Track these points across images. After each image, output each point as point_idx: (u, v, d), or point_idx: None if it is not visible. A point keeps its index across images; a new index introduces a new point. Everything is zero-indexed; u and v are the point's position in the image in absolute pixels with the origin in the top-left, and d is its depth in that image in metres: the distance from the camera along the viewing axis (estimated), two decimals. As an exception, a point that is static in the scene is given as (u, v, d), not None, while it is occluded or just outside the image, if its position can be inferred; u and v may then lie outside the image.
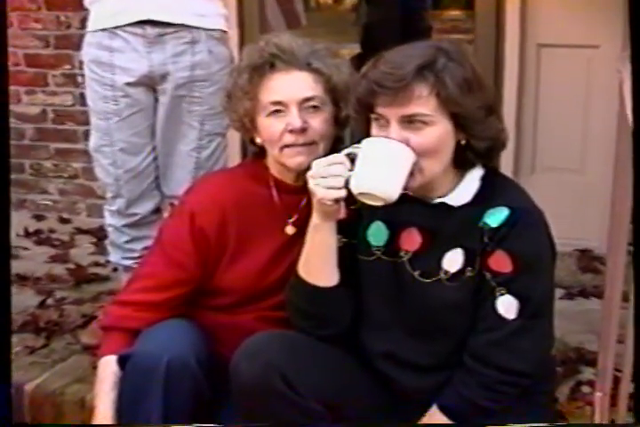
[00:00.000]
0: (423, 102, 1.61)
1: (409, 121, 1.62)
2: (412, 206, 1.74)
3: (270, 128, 1.87)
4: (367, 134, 1.70)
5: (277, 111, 1.85)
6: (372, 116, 1.67)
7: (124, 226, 2.59)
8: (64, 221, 3.89)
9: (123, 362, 1.82)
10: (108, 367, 1.87)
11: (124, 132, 2.47)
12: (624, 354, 2.00)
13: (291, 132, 1.84)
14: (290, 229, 1.94)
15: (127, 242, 2.60)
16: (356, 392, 1.81)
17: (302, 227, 1.85)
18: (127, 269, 2.62)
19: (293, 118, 1.84)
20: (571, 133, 3.35)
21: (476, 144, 1.68)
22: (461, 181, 1.73)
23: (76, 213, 3.92)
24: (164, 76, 2.43)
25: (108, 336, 1.94)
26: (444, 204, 1.73)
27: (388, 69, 1.61)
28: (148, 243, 2.49)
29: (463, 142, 1.68)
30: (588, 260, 3.22)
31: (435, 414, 1.75)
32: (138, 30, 2.38)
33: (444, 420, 1.73)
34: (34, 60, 3.77)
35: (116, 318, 1.93)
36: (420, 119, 1.62)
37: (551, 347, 1.87)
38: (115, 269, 2.98)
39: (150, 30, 2.38)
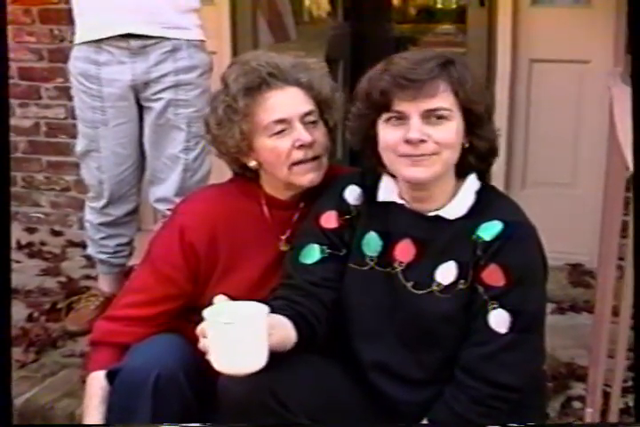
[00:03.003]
0: (446, 97, 1.66)
1: (429, 116, 1.66)
2: (408, 218, 1.76)
3: (277, 148, 1.84)
4: (366, 137, 1.74)
5: (281, 130, 1.84)
6: (385, 115, 1.68)
7: (100, 224, 2.81)
8: (56, 233, 3.89)
9: (111, 377, 1.81)
10: (97, 382, 1.86)
11: (110, 142, 2.66)
12: (614, 369, 2.00)
13: (300, 147, 1.83)
14: (284, 246, 1.94)
15: (101, 239, 2.84)
16: (346, 406, 1.79)
17: None
18: (102, 262, 2.89)
19: (302, 134, 1.83)
20: (561, 148, 3.36)
21: (479, 145, 1.72)
22: (457, 194, 1.75)
23: (67, 226, 3.92)
24: (147, 84, 2.57)
25: (96, 351, 1.93)
26: (439, 216, 1.74)
27: (412, 65, 1.66)
28: (121, 240, 2.84)
29: (467, 145, 1.72)
30: (579, 274, 3.22)
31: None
32: (122, 43, 2.54)
33: None
34: (27, 74, 3.78)
35: (105, 333, 1.92)
36: (442, 113, 1.66)
37: (542, 362, 1.87)
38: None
39: (134, 43, 2.53)
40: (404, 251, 1.77)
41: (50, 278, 3.33)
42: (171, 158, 2.63)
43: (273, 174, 1.90)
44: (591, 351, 2.32)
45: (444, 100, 1.66)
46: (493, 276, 1.69)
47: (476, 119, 1.70)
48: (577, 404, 2.37)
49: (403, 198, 1.77)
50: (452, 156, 1.70)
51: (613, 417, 2.01)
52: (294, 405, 1.67)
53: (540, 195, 3.29)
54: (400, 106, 1.66)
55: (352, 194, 1.83)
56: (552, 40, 3.29)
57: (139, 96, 2.62)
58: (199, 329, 1.56)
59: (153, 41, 2.54)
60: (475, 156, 1.74)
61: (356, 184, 1.84)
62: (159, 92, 2.57)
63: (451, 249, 1.73)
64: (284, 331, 1.67)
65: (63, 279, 3.30)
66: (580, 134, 3.33)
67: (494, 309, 1.68)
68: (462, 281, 1.72)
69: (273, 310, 1.70)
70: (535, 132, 3.37)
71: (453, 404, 1.71)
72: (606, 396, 2.09)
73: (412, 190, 1.75)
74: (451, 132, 1.67)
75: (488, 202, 1.76)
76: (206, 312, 1.54)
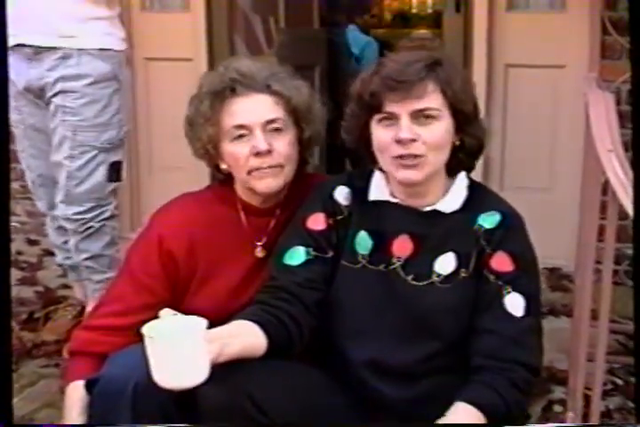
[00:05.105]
0: (434, 97, 1.70)
1: (419, 116, 1.70)
2: (403, 214, 1.80)
3: (235, 153, 1.86)
4: (360, 137, 1.77)
5: (241, 136, 1.85)
6: (377, 116, 1.72)
7: (58, 228, 2.80)
8: (32, 242, 3.87)
9: (90, 387, 1.80)
10: (76, 393, 1.84)
11: (31, 139, 2.72)
12: (594, 373, 2.00)
13: (257, 155, 1.84)
14: (260, 252, 1.94)
15: (64, 243, 2.81)
16: (328, 409, 1.78)
17: (272, 249, 1.89)
18: (72, 268, 2.87)
19: (259, 141, 1.83)
20: (538, 152, 3.38)
21: (469, 142, 1.78)
22: (449, 189, 1.80)
23: (43, 235, 3.85)
24: (42, 89, 2.60)
25: (75, 361, 1.91)
26: (435, 210, 1.79)
27: (402, 66, 1.70)
28: None
29: (457, 143, 1.77)
30: (557, 278, 3.24)
31: (460, 410, 1.62)
32: (20, 48, 2.56)
33: (472, 415, 1.61)
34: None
35: (83, 343, 1.90)
36: (430, 113, 1.70)
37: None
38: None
39: (28, 49, 2.57)
40: (402, 246, 1.79)
41: (27, 288, 3.31)
42: (57, 164, 2.63)
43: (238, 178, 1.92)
44: (570, 355, 2.33)
45: (432, 100, 1.70)
46: (502, 262, 1.73)
47: (465, 117, 1.74)
48: (558, 407, 2.38)
49: (394, 196, 1.80)
50: (440, 156, 1.74)
51: (594, 421, 2.02)
52: (273, 410, 1.65)
53: (517, 199, 3.23)
54: (390, 107, 1.70)
55: (341, 194, 1.85)
56: (527, 45, 3.31)
57: (42, 100, 2.64)
58: None
59: (46, 48, 2.56)
60: (465, 153, 1.79)
61: (345, 185, 1.86)
62: (52, 97, 2.59)
63: (448, 241, 1.77)
64: (251, 338, 1.66)
65: (40, 289, 3.28)
66: (556, 138, 3.35)
67: (509, 293, 1.71)
68: (463, 270, 1.76)
69: (245, 316, 1.70)
70: (512, 136, 3.39)
71: (495, 385, 1.64)
72: (587, 399, 2.10)
73: (406, 188, 1.78)
74: (439, 131, 1.71)
75: (481, 196, 1.82)
76: (144, 327, 1.51)
